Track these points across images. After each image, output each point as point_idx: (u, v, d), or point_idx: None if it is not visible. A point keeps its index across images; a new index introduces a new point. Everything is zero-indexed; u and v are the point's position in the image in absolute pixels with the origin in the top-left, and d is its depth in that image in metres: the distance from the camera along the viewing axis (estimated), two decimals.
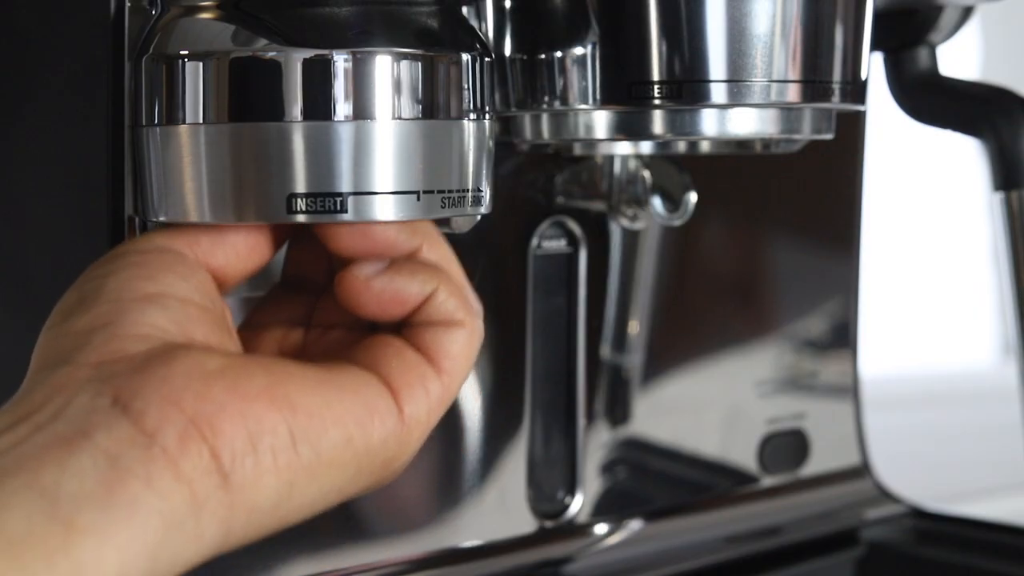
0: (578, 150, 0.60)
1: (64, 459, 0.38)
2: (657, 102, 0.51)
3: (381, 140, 0.46)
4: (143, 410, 0.39)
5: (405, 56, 0.46)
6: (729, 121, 0.52)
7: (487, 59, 0.49)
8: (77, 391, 0.40)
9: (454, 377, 0.46)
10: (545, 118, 0.55)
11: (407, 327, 0.46)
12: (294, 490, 0.42)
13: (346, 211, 0.45)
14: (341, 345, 0.47)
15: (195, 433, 0.39)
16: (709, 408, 0.68)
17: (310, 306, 0.49)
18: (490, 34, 0.54)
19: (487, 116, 0.49)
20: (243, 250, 0.46)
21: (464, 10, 0.51)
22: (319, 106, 0.45)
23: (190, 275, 0.44)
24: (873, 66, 0.62)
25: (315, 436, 0.42)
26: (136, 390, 0.40)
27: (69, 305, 0.43)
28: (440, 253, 0.47)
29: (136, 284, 0.43)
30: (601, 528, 0.65)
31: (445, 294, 0.46)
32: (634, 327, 0.65)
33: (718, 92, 0.51)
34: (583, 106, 0.52)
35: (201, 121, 0.46)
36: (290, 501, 0.42)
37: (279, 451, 0.41)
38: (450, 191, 0.47)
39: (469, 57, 0.48)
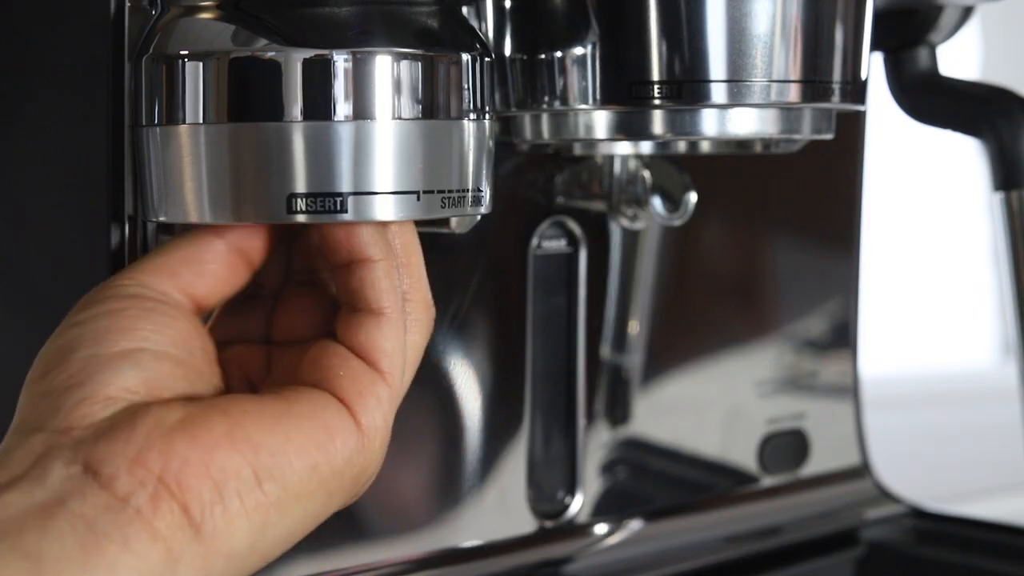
0: (578, 150, 0.60)
1: (44, 525, 0.40)
2: (657, 102, 0.51)
3: (381, 140, 0.46)
4: (113, 475, 0.41)
5: (405, 56, 0.46)
6: (729, 121, 0.52)
7: (487, 59, 0.49)
8: (52, 459, 0.42)
9: (395, 375, 0.47)
10: (545, 118, 0.55)
11: (343, 318, 0.47)
12: (267, 527, 0.43)
13: (346, 211, 0.45)
14: (297, 360, 0.48)
15: (164, 491, 0.41)
16: (709, 408, 0.68)
17: (268, 314, 0.49)
18: (490, 34, 0.54)
19: (487, 116, 0.49)
20: (223, 275, 0.47)
21: (464, 10, 0.51)
22: (319, 106, 0.45)
23: (168, 325, 0.45)
24: (873, 66, 0.62)
25: (279, 472, 0.43)
26: (103, 457, 0.42)
27: (50, 357, 0.45)
28: (405, 240, 0.48)
29: (112, 338, 0.44)
30: (601, 528, 0.65)
31: (382, 273, 0.46)
32: (634, 327, 0.65)
33: (718, 92, 0.51)
34: (583, 106, 0.52)
35: (201, 121, 0.46)
36: (265, 538, 0.43)
37: (245, 493, 0.43)
38: (450, 191, 0.47)
39: (469, 57, 0.48)
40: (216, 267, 0.47)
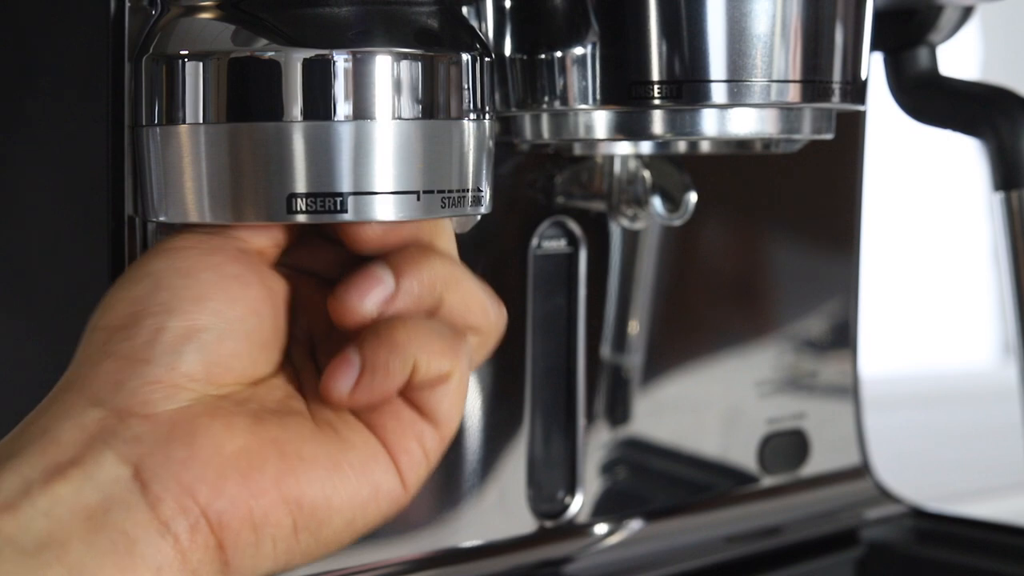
0: (578, 150, 0.60)
1: (89, 538, 0.41)
2: (657, 102, 0.51)
3: (381, 140, 0.46)
4: (160, 496, 0.42)
5: (405, 56, 0.46)
6: (729, 121, 0.52)
7: (487, 59, 0.49)
8: (104, 448, 0.42)
9: (450, 424, 0.46)
10: (545, 118, 0.55)
11: None
12: (288, 566, 0.44)
13: (346, 211, 0.45)
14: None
15: (205, 526, 0.42)
16: (709, 408, 0.68)
17: (337, 255, 0.48)
18: (490, 34, 0.54)
19: (487, 116, 0.49)
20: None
21: (464, 10, 0.51)
22: (319, 106, 0.45)
23: (240, 296, 0.45)
24: (873, 66, 0.62)
25: (316, 527, 0.44)
26: (156, 471, 0.42)
27: (121, 311, 0.44)
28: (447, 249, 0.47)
29: (183, 308, 0.44)
30: (601, 528, 0.65)
31: (426, 359, 0.45)
32: (634, 327, 0.65)
33: (718, 92, 0.51)
34: (583, 106, 0.52)
35: (201, 121, 0.46)
36: (283, 571, 0.44)
37: (280, 540, 0.43)
38: (450, 191, 0.47)
39: (469, 57, 0.48)
40: None
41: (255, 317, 0.45)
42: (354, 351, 0.44)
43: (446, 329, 0.45)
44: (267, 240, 0.46)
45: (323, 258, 0.48)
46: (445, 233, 0.48)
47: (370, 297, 0.45)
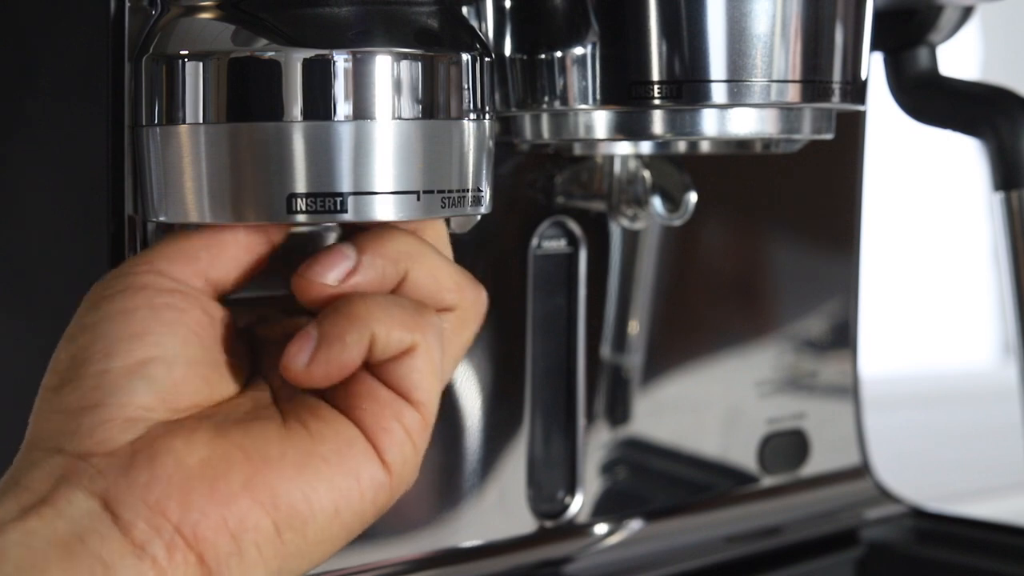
0: (578, 150, 0.60)
1: (66, 563, 0.40)
2: (657, 102, 0.51)
3: (381, 140, 0.46)
4: (131, 522, 0.42)
5: (405, 56, 0.46)
6: (729, 121, 0.52)
7: (487, 59, 0.49)
8: (72, 487, 0.42)
9: (429, 402, 0.45)
10: (545, 118, 0.55)
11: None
12: (284, 571, 0.43)
13: (346, 211, 0.45)
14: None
15: (181, 542, 0.42)
16: (709, 408, 0.68)
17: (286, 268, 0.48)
18: (490, 34, 0.54)
19: (487, 116, 0.49)
20: (243, 258, 0.46)
21: (464, 10, 0.51)
22: (319, 106, 0.45)
23: (179, 322, 0.44)
24: (873, 66, 0.62)
25: (300, 523, 0.43)
26: (123, 498, 0.42)
27: (63, 368, 0.44)
28: (436, 235, 0.47)
29: (123, 347, 0.43)
30: (601, 528, 0.65)
31: (384, 331, 0.44)
32: (634, 327, 0.65)
33: (718, 92, 0.51)
34: (583, 106, 0.52)
35: (201, 121, 0.46)
36: None
37: (264, 544, 0.43)
38: (450, 191, 0.47)
39: (469, 57, 0.48)
40: (236, 251, 0.46)
41: (197, 340, 0.45)
42: (312, 326, 0.44)
43: (408, 302, 0.45)
44: (194, 276, 0.46)
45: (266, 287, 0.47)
46: (432, 228, 0.48)
47: (332, 271, 0.45)
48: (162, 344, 0.44)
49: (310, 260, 0.45)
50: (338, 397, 0.45)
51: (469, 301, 0.47)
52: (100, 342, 0.44)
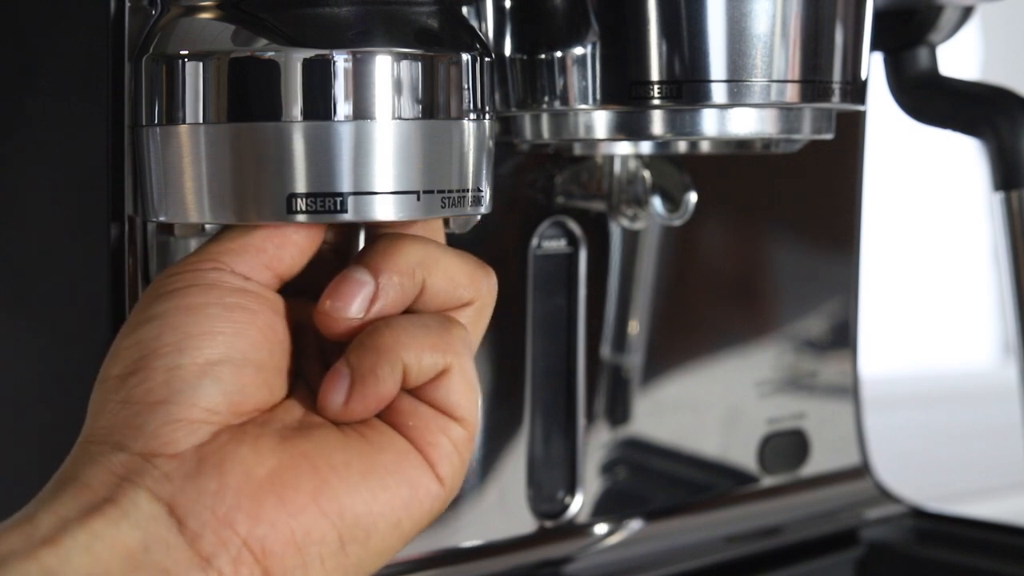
0: (578, 150, 0.60)
1: (130, 574, 0.40)
2: (657, 102, 0.51)
3: (381, 140, 0.45)
4: (198, 532, 0.41)
5: (405, 56, 0.46)
6: (729, 121, 0.52)
7: (487, 59, 0.49)
8: (135, 487, 0.41)
9: (471, 415, 0.45)
10: (545, 118, 0.55)
11: None
12: None
13: (346, 211, 0.45)
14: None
15: (248, 557, 0.41)
16: (709, 408, 0.68)
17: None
18: (490, 34, 0.54)
19: (487, 116, 0.49)
20: (305, 247, 0.46)
21: (464, 10, 0.51)
22: (319, 106, 0.45)
23: (250, 324, 0.44)
24: (873, 66, 0.62)
25: (364, 535, 0.43)
26: (191, 508, 0.41)
27: (130, 357, 0.43)
28: (433, 230, 0.47)
29: (193, 344, 0.43)
30: (601, 528, 0.65)
31: (416, 359, 0.44)
32: (634, 327, 0.65)
33: (718, 92, 0.51)
34: (583, 106, 0.52)
35: (201, 121, 0.46)
36: None
37: (328, 557, 0.42)
38: (450, 191, 0.47)
39: (469, 57, 0.48)
40: (298, 239, 0.46)
41: (266, 344, 0.44)
42: (343, 363, 0.44)
43: (434, 323, 0.45)
44: (262, 271, 0.45)
45: (323, 275, 0.47)
46: (431, 224, 0.48)
47: (353, 302, 0.44)
48: (232, 345, 0.43)
49: (329, 292, 0.45)
50: (384, 413, 0.45)
51: (484, 290, 0.47)
52: (170, 335, 0.43)
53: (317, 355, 0.47)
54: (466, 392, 0.45)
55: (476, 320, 0.47)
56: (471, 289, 0.47)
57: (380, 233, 0.46)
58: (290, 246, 0.46)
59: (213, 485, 0.41)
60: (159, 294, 0.44)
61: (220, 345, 0.43)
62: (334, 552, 0.42)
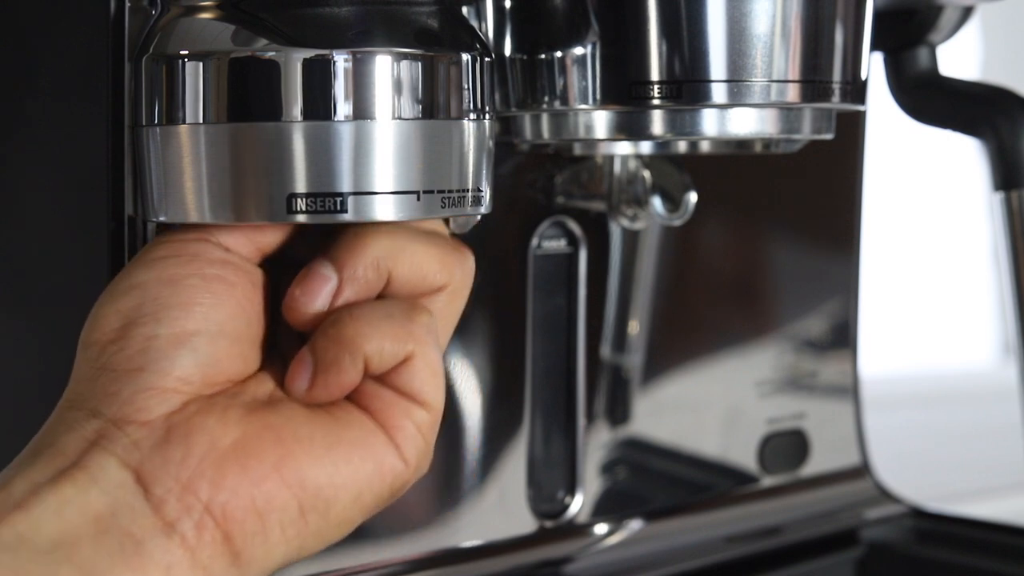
0: (578, 150, 0.60)
1: (97, 539, 0.41)
2: (657, 102, 0.51)
3: (381, 140, 0.46)
4: (163, 498, 0.42)
5: (405, 56, 0.46)
6: (729, 121, 0.52)
7: (487, 59, 0.49)
8: (105, 454, 0.43)
9: (434, 400, 0.46)
10: (545, 118, 0.55)
11: None
12: (303, 551, 0.45)
13: (346, 211, 0.45)
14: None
15: (209, 521, 0.43)
16: (709, 408, 0.68)
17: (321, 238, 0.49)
18: (490, 34, 0.54)
19: (487, 116, 0.49)
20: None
21: (464, 10, 0.51)
22: (319, 106, 0.45)
23: (227, 295, 0.45)
24: (873, 66, 0.62)
25: (324, 505, 0.44)
26: (157, 475, 0.43)
27: (109, 325, 0.45)
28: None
29: (172, 315, 0.44)
30: (601, 528, 0.65)
31: (377, 348, 0.45)
32: (634, 327, 0.65)
33: (718, 92, 0.51)
34: (583, 106, 0.52)
35: (201, 121, 0.46)
36: (299, 557, 0.45)
37: (288, 524, 0.44)
38: (450, 191, 0.47)
39: (469, 57, 0.48)
40: None
41: (243, 316, 0.45)
42: (308, 350, 0.45)
43: (398, 311, 0.46)
44: (245, 244, 0.47)
45: (306, 250, 0.48)
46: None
47: (318, 297, 0.45)
48: (209, 317, 0.45)
49: (294, 285, 0.46)
50: (351, 395, 0.46)
51: (458, 275, 0.48)
52: (150, 305, 0.44)
53: (294, 328, 0.47)
54: (429, 378, 0.46)
55: (450, 303, 0.48)
56: (443, 275, 0.47)
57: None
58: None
59: (179, 454, 0.43)
60: (144, 262, 0.46)
61: (197, 317, 0.44)
62: (293, 520, 0.44)
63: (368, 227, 0.46)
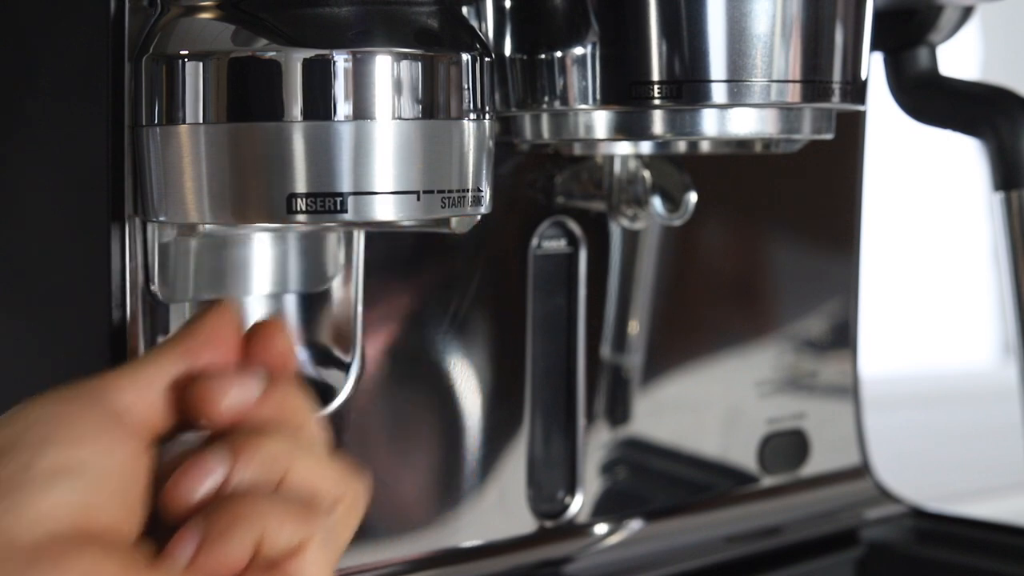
0: (578, 150, 0.60)
1: None
2: (657, 102, 0.51)
3: (381, 140, 0.46)
4: None
5: (405, 56, 0.46)
6: (729, 121, 0.52)
7: (487, 59, 0.49)
8: None
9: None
10: (545, 118, 0.55)
11: None
12: None
13: (346, 211, 0.45)
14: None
15: None
16: (709, 408, 0.68)
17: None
18: (490, 34, 0.54)
19: (487, 116, 0.49)
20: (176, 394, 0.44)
21: (464, 10, 0.51)
22: (319, 106, 0.45)
23: (116, 448, 0.43)
24: (873, 66, 0.62)
25: None
26: None
27: None
28: (294, 406, 0.45)
29: (56, 449, 0.42)
30: (601, 528, 0.65)
31: (273, 530, 0.42)
32: (634, 327, 0.65)
33: (718, 92, 0.51)
34: (583, 106, 0.52)
35: (201, 121, 0.46)
36: None
37: None
38: (450, 191, 0.47)
39: (469, 57, 0.48)
40: (168, 390, 0.44)
41: (128, 474, 0.43)
42: (198, 521, 0.42)
43: (297, 500, 0.43)
44: (140, 403, 0.44)
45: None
46: (302, 413, 0.46)
47: (199, 487, 0.43)
48: (93, 462, 0.42)
49: (180, 473, 0.43)
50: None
51: (353, 492, 0.45)
52: (38, 431, 0.42)
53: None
54: (324, 569, 0.43)
55: (344, 518, 0.45)
56: (338, 487, 0.45)
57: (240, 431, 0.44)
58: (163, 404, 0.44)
59: None
60: (37, 400, 0.43)
61: (82, 455, 0.42)
62: None
63: (272, 431, 0.44)
